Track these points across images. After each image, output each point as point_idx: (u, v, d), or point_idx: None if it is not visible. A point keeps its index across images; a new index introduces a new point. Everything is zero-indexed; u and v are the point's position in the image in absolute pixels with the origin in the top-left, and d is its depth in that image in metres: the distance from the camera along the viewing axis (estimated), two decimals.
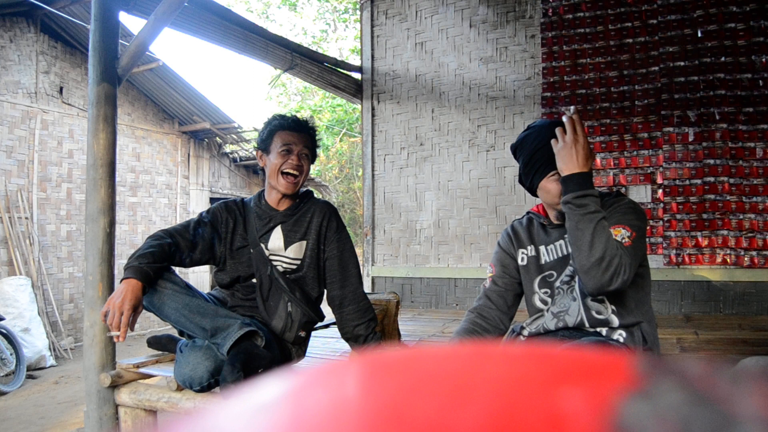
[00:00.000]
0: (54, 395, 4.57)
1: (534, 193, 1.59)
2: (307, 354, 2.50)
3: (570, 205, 1.38)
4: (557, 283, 1.59)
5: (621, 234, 1.41)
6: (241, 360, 1.68)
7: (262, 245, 1.95)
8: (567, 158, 1.41)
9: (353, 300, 1.96)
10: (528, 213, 1.71)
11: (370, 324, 1.95)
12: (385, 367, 0.22)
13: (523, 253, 1.66)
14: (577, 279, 1.55)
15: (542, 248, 1.62)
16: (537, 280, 1.62)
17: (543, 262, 1.62)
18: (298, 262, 1.96)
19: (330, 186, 13.76)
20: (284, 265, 1.96)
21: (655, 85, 3.53)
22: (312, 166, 2.00)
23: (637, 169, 3.56)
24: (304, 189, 2.06)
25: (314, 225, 1.95)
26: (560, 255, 1.59)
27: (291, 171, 1.88)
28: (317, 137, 2.01)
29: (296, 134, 1.91)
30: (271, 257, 1.95)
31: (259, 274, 1.94)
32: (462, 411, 0.18)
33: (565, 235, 1.57)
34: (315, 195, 2.07)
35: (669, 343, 2.51)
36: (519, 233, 1.68)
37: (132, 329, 1.67)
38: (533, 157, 1.54)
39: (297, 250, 1.95)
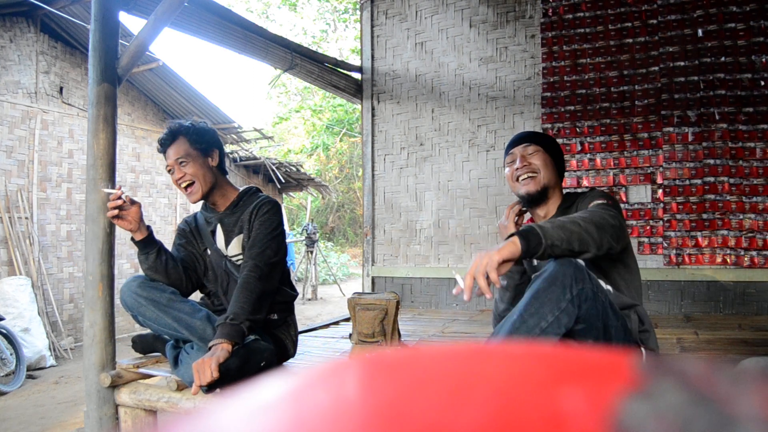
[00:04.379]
0: (54, 395, 4.56)
1: None
2: (307, 354, 2.50)
3: (550, 247, 1.31)
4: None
5: (599, 205, 1.52)
6: (244, 352, 1.77)
7: (216, 246, 2.04)
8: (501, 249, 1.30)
9: (243, 280, 1.86)
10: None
11: (244, 309, 1.80)
12: (386, 366, 0.22)
13: None
14: None
15: None
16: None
17: (535, 263, 1.72)
18: (241, 255, 2.01)
19: (330, 186, 13.76)
20: (236, 264, 2.02)
21: (655, 85, 3.53)
22: (210, 159, 2.00)
23: (637, 169, 3.56)
24: (246, 186, 2.10)
25: (246, 217, 1.99)
26: None
27: (182, 184, 1.96)
28: (193, 132, 1.99)
29: (168, 151, 1.98)
30: (226, 256, 2.04)
31: (220, 271, 2.04)
32: (462, 411, 0.18)
33: None
34: (259, 192, 2.09)
35: (669, 343, 2.51)
36: None
37: (130, 201, 1.89)
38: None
39: (236, 245, 2.01)
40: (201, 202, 2.10)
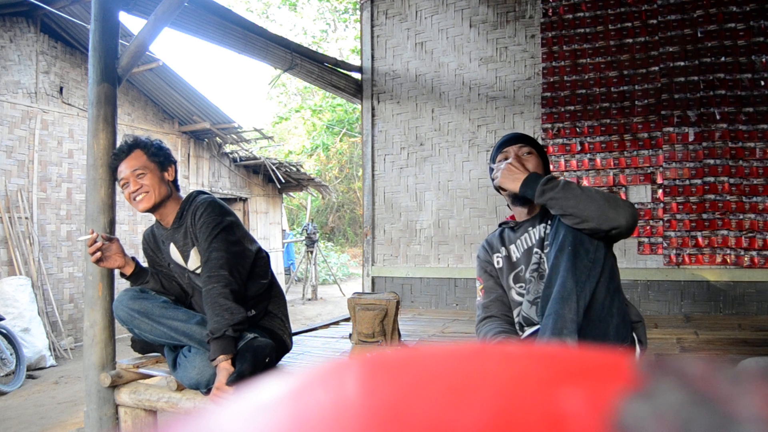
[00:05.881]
0: (54, 395, 4.57)
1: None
2: (307, 354, 2.50)
3: (546, 193, 1.50)
4: (527, 275, 1.71)
5: None
6: (251, 354, 1.78)
7: (176, 262, 2.04)
8: (509, 178, 1.60)
9: (206, 297, 1.83)
10: (499, 225, 1.88)
11: (222, 320, 1.76)
12: (386, 366, 0.22)
13: (497, 257, 1.81)
14: (546, 263, 1.61)
15: (512, 247, 1.78)
16: (511, 276, 1.76)
17: (514, 259, 1.76)
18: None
19: (330, 186, 13.76)
20: (198, 275, 2.01)
21: (655, 85, 3.53)
22: (167, 173, 1.99)
23: (637, 169, 3.56)
24: (188, 194, 2.06)
25: (190, 226, 1.97)
26: (526, 247, 1.74)
27: (137, 197, 1.93)
28: (150, 146, 1.98)
29: (122, 164, 1.95)
30: (187, 269, 2.03)
31: (185, 282, 2.07)
32: (462, 411, 0.18)
33: (530, 228, 1.74)
34: (200, 194, 2.03)
35: (669, 343, 2.51)
36: (492, 242, 1.84)
37: (106, 238, 1.95)
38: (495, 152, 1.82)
39: (195, 257, 1.98)
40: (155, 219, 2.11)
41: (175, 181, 2.04)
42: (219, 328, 1.74)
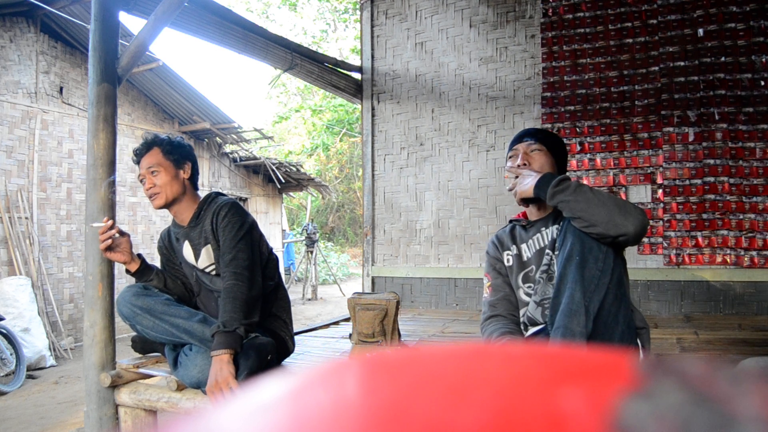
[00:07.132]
0: (54, 395, 4.56)
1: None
2: (307, 354, 2.50)
3: (557, 195, 1.49)
4: (537, 276, 1.69)
5: None
6: (254, 352, 1.80)
7: (186, 260, 2.06)
8: (523, 185, 1.62)
9: (227, 292, 1.84)
10: (510, 221, 1.86)
11: (236, 316, 1.78)
12: (386, 366, 0.22)
13: (508, 254, 1.79)
14: (556, 266, 1.60)
15: (523, 246, 1.76)
16: (520, 276, 1.74)
17: (525, 258, 1.75)
18: (214, 265, 2.01)
19: (330, 186, 13.76)
20: (207, 273, 2.03)
21: (655, 85, 3.53)
22: (182, 171, 2.00)
23: (637, 169, 3.56)
24: (206, 194, 2.08)
25: (208, 226, 1.99)
26: (538, 248, 1.72)
27: (150, 193, 1.97)
28: (167, 144, 2.00)
29: (140, 161, 2.00)
30: (196, 267, 2.05)
31: (193, 281, 2.09)
32: (462, 411, 0.18)
33: (542, 228, 1.71)
34: (219, 196, 2.06)
35: (669, 343, 2.51)
36: (503, 239, 1.81)
37: (119, 232, 1.96)
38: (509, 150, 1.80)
39: (206, 256, 2.00)
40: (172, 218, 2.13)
41: (192, 179, 2.05)
42: (231, 322, 1.75)
